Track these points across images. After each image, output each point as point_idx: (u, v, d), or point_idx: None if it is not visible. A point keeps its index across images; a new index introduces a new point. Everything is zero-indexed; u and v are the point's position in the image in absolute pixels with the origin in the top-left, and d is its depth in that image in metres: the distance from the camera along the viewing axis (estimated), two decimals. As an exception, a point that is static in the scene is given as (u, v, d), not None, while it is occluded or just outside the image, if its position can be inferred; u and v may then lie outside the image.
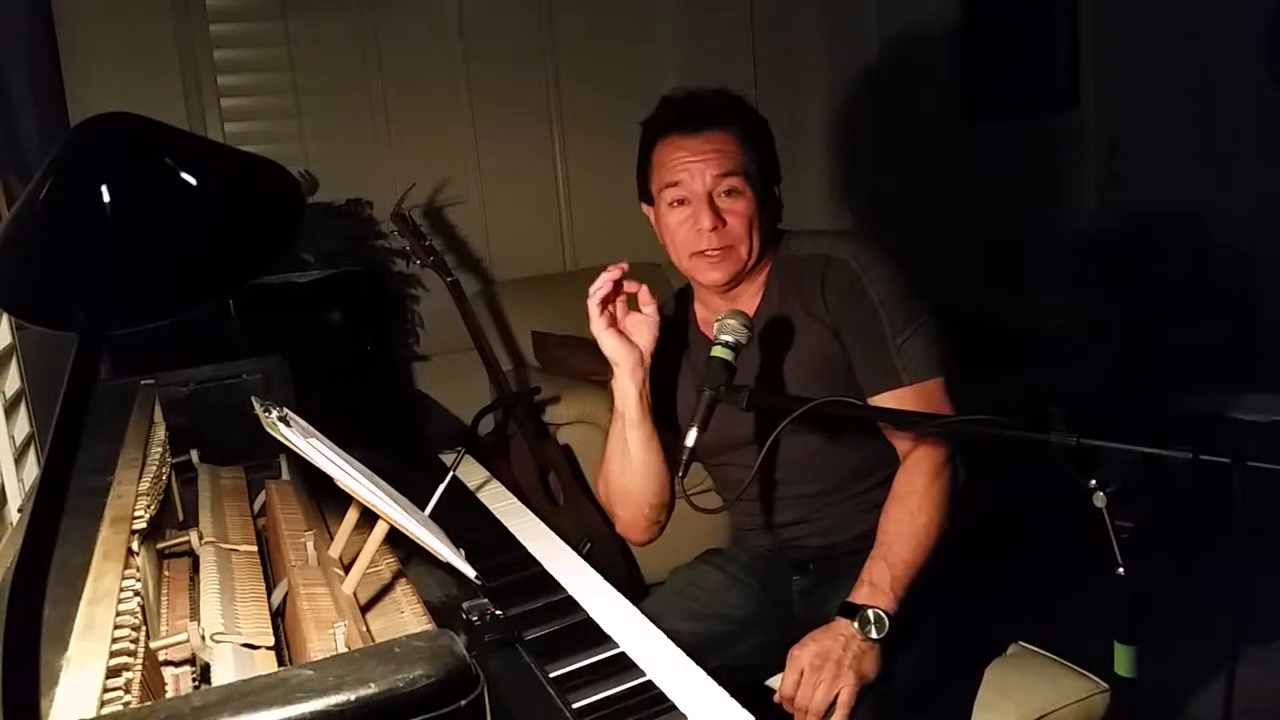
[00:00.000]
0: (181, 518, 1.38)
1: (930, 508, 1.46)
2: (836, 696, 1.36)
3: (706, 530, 1.80)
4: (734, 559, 1.74)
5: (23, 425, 1.66)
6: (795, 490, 1.62)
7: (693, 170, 1.51)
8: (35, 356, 1.72)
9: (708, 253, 1.53)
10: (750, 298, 1.61)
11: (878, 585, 1.41)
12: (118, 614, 0.82)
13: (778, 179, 1.61)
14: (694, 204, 1.52)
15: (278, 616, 1.13)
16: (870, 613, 1.38)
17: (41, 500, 0.61)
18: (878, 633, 1.38)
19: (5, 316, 1.58)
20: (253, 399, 1.29)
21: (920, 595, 1.45)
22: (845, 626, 1.39)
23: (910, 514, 1.45)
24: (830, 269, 1.55)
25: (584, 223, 3.84)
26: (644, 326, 1.55)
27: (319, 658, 0.81)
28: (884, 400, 1.50)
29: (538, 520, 1.62)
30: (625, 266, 1.50)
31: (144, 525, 1.04)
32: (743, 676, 1.51)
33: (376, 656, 0.63)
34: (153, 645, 0.90)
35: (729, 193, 1.51)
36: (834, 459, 1.59)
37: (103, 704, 0.70)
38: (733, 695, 1.09)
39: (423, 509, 1.37)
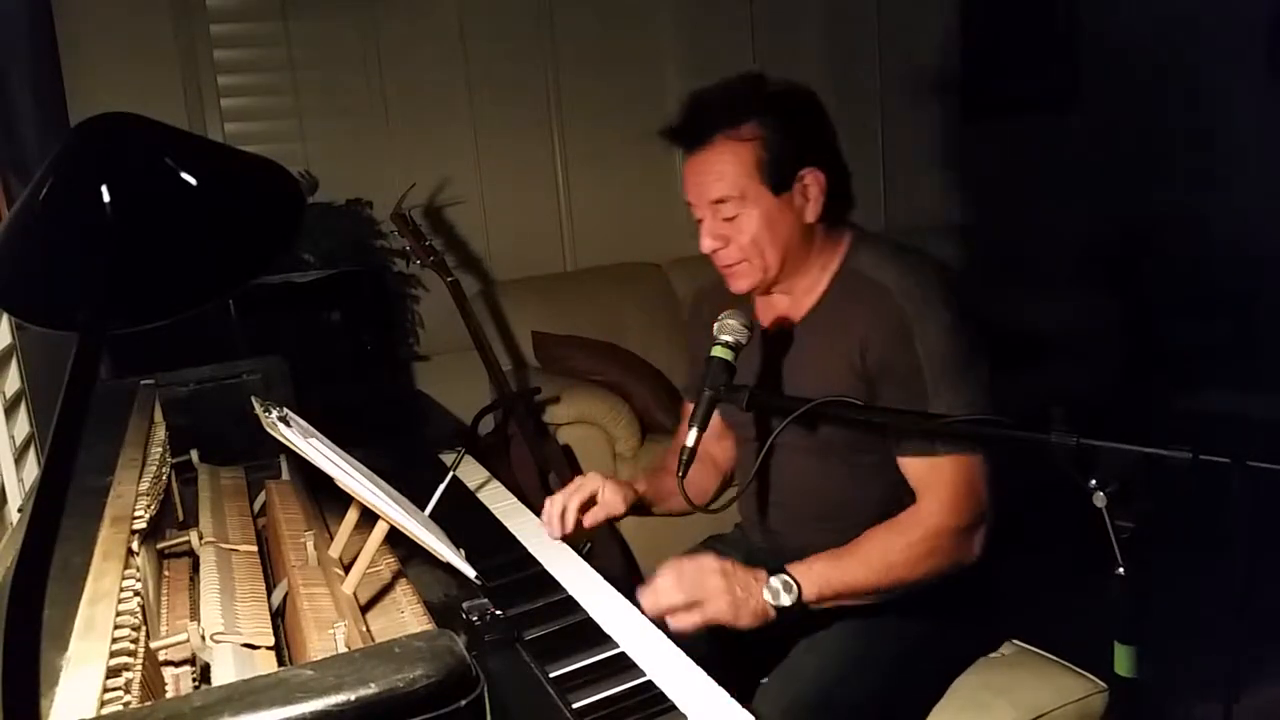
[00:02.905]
0: (181, 518, 1.38)
1: (908, 563, 1.38)
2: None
3: (710, 527, 1.80)
4: (736, 546, 1.73)
5: (23, 425, 1.66)
6: (798, 517, 1.60)
7: (694, 193, 1.50)
8: (35, 356, 1.72)
9: (722, 266, 1.52)
10: (803, 296, 1.55)
11: (813, 570, 1.36)
12: (118, 614, 0.82)
13: (811, 171, 1.47)
14: (704, 221, 1.51)
15: (278, 616, 1.13)
16: (790, 580, 1.33)
17: (41, 500, 0.61)
18: (774, 599, 1.32)
19: (5, 316, 1.58)
20: (253, 399, 1.29)
21: (888, 611, 1.43)
22: (761, 573, 1.34)
23: (885, 549, 1.39)
24: (883, 307, 1.45)
25: (584, 223, 3.85)
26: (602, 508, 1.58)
27: (319, 658, 0.81)
28: (912, 464, 1.43)
29: (538, 520, 1.62)
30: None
31: (144, 525, 1.04)
32: (740, 674, 1.51)
33: (376, 656, 0.63)
34: (153, 645, 0.90)
35: (727, 217, 1.48)
36: (842, 496, 1.54)
37: (103, 704, 0.70)
38: (731, 694, 1.09)
39: (423, 509, 1.38)
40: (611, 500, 1.58)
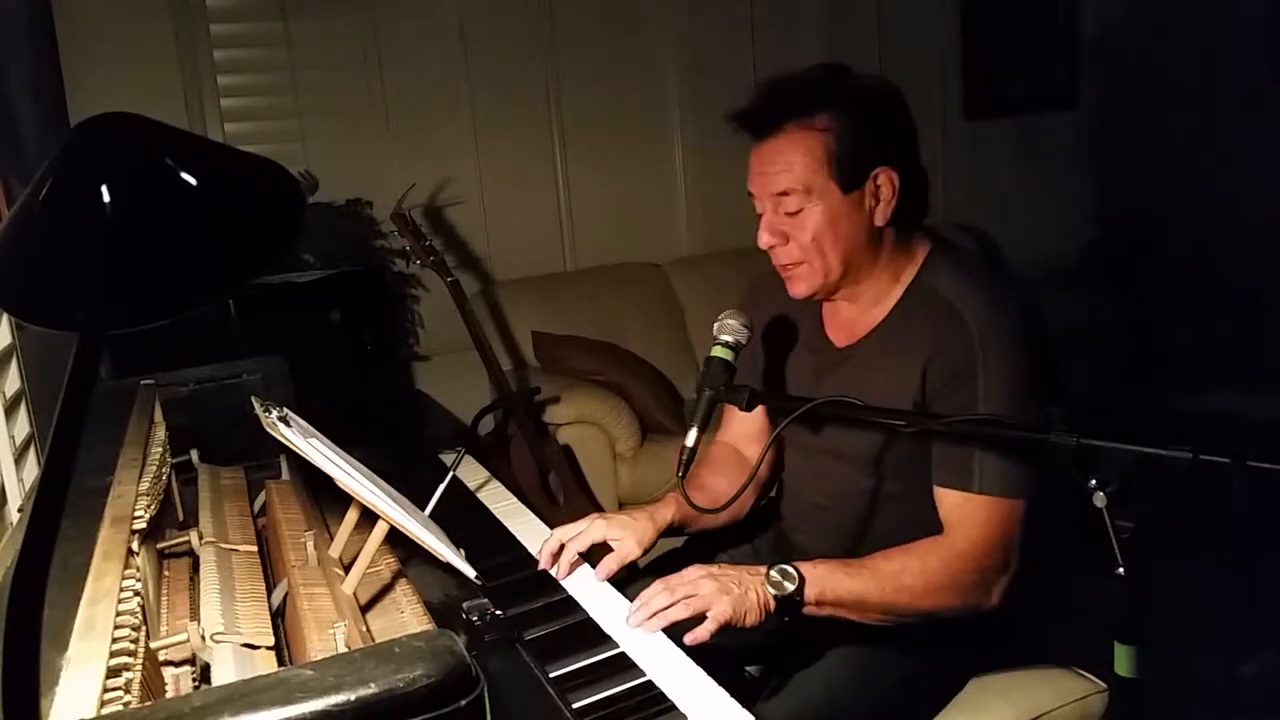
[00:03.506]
0: (181, 518, 1.38)
1: (920, 590, 1.32)
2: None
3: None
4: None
5: (23, 425, 1.66)
6: (822, 530, 1.57)
7: (757, 184, 1.43)
8: (35, 356, 1.72)
9: (781, 266, 1.45)
10: (871, 306, 1.48)
11: (818, 569, 1.30)
12: (118, 614, 0.82)
13: (883, 171, 1.40)
14: (765, 215, 1.44)
15: (278, 616, 1.13)
16: (791, 570, 1.27)
17: (41, 500, 0.61)
18: (775, 589, 1.26)
19: (5, 316, 1.58)
20: (253, 399, 1.29)
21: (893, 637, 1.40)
22: (757, 568, 1.29)
23: (900, 569, 1.33)
24: (953, 333, 1.37)
25: (584, 223, 3.85)
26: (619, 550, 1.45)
27: (319, 658, 0.81)
28: (946, 495, 1.37)
29: (538, 520, 1.62)
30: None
31: (144, 525, 1.04)
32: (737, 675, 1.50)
33: (376, 656, 0.63)
34: (153, 645, 0.90)
35: (790, 212, 1.40)
36: (870, 516, 1.50)
37: (103, 704, 0.70)
38: (728, 690, 1.09)
39: (423, 509, 1.38)
40: (625, 547, 1.44)
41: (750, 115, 1.43)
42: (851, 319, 1.50)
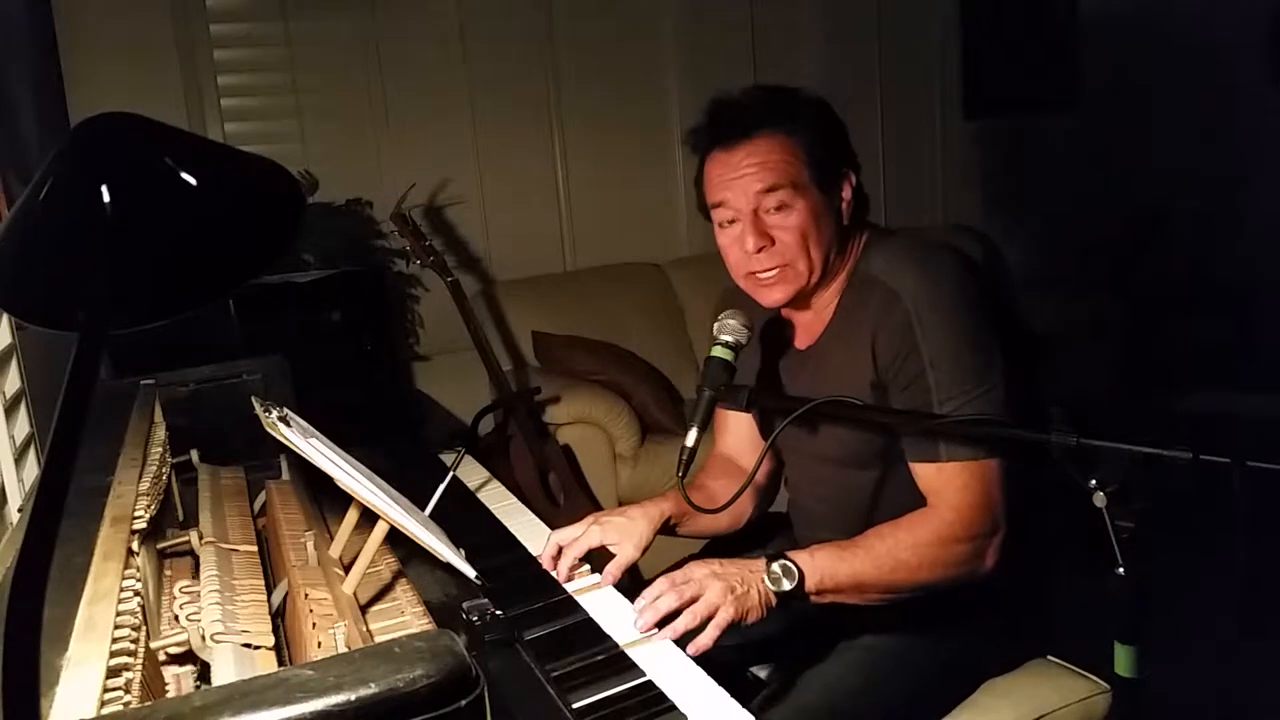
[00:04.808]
0: (181, 518, 1.38)
1: (915, 564, 1.32)
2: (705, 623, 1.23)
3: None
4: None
5: (23, 425, 1.66)
6: (823, 527, 1.56)
7: (735, 188, 1.41)
8: (35, 356, 1.72)
9: (759, 274, 1.43)
10: (825, 307, 1.50)
11: (815, 557, 1.30)
12: (118, 614, 0.82)
13: (849, 172, 1.46)
14: (741, 223, 1.41)
15: (278, 616, 1.13)
16: (791, 565, 1.27)
17: (41, 500, 0.61)
18: (775, 585, 1.26)
19: (5, 316, 1.58)
20: (253, 399, 1.29)
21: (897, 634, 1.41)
22: (756, 562, 1.29)
23: (894, 545, 1.33)
24: (889, 309, 1.39)
25: (584, 223, 3.85)
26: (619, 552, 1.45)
27: (319, 658, 0.81)
28: (921, 470, 1.38)
29: (538, 520, 1.62)
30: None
31: (144, 525, 1.04)
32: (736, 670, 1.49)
33: (376, 656, 0.63)
34: (153, 645, 0.90)
35: (778, 208, 1.39)
36: (869, 509, 1.49)
37: (103, 704, 0.70)
38: (727, 689, 1.09)
39: (423, 509, 1.38)
40: (623, 552, 1.44)
41: (719, 124, 1.43)
42: (809, 320, 1.52)
